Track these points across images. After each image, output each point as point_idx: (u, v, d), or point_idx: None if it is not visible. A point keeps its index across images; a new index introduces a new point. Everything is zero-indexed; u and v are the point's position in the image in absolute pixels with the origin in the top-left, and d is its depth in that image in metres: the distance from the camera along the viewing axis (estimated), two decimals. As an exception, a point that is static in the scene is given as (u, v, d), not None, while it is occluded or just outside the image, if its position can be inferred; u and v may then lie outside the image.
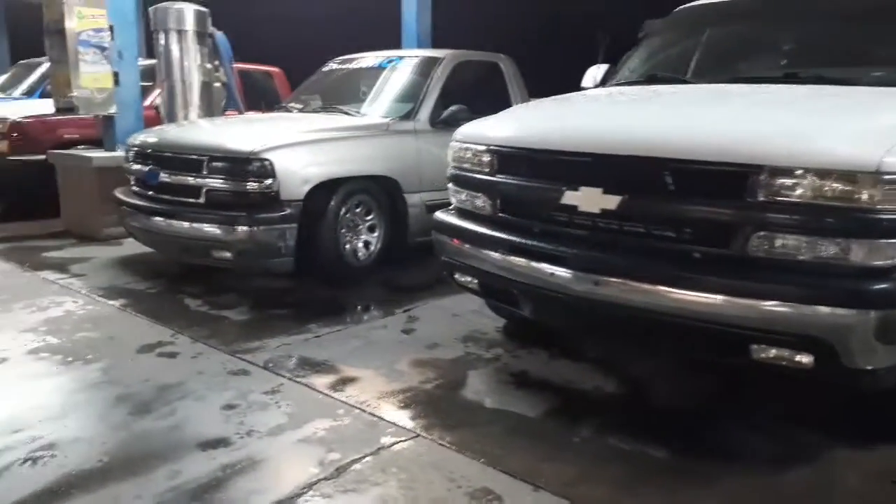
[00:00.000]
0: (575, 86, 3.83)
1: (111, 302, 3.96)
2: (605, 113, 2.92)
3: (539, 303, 2.74)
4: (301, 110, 5.41)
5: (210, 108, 6.28)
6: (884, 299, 2.04)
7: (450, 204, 3.30)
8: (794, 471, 2.30)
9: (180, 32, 6.03)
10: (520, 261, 2.66)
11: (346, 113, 5.05)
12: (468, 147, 3.01)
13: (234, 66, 6.75)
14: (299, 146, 4.29)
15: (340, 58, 5.94)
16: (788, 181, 2.09)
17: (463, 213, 3.09)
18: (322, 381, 2.91)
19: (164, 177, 4.37)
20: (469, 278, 3.03)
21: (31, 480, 2.14)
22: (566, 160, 2.54)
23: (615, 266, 2.39)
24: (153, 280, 4.49)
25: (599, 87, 3.80)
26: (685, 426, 2.62)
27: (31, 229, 6.06)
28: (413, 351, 3.30)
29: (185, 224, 4.21)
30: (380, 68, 5.49)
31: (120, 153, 5.64)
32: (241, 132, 4.54)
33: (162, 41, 6.05)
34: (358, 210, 4.57)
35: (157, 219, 4.37)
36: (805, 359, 2.15)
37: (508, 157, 2.79)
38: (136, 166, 4.64)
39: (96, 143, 6.43)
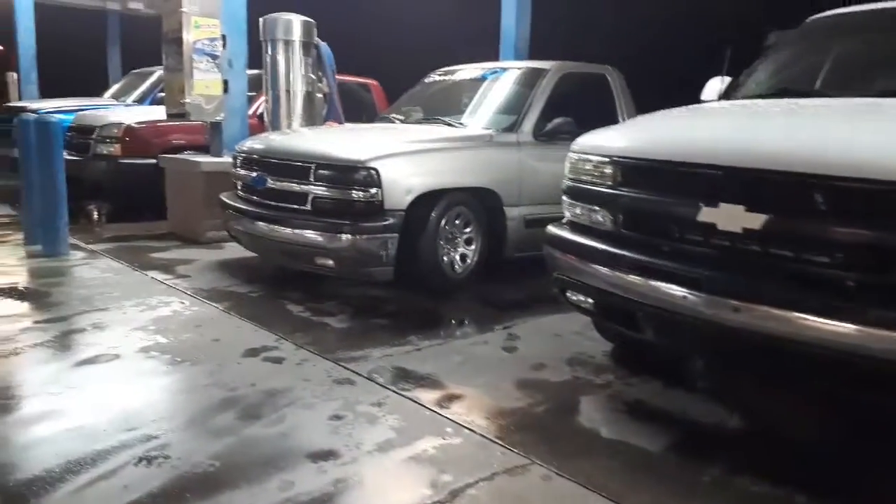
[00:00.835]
0: (680, 100, 3.62)
1: (215, 304, 4.02)
2: (750, 125, 2.70)
3: (665, 327, 2.55)
4: (403, 121, 5.41)
5: (312, 118, 6.38)
6: None
7: (553, 218, 3.19)
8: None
9: (287, 43, 6.17)
10: (645, 281, 2.49)
11: (449, 124, 5.00)
12: (588, 158, 2.86)
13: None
14: (404, 156, 4.26)
15: (442, 69, 5.92)
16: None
17: (578, 227, 2.94)
18: (427, 396, 2.82)
19: (270, 183, 4.43)
20: (583, 297, 2.88)
21: (145, 481, 2.13)
22: (704, 174, 2.35)
23: (758, 291, 2.19)
24: (255, 284, 4.54)
25: (723, 100, 3.59)
26: (825, 466, 2.37)
27: (137, 230, 6.31)
28: (517, 371, 3.16)
29: (290, 230, 4.24)
30: (482, 80, 5.43)
31: (226, 159, 5.80)
32: (347, 141, 4.56)
33: (269, 51, 6.20)
34: (457, 222, 4.49)
35: (262, 224, 4.43)
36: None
37: (635, 170, 2.63)
38: (244, 172, 4.73)
39: (201, 149, 6.66)
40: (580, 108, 4.94)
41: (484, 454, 2.35)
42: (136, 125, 6.99)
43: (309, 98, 6.38)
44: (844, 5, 3.86)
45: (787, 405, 2.87)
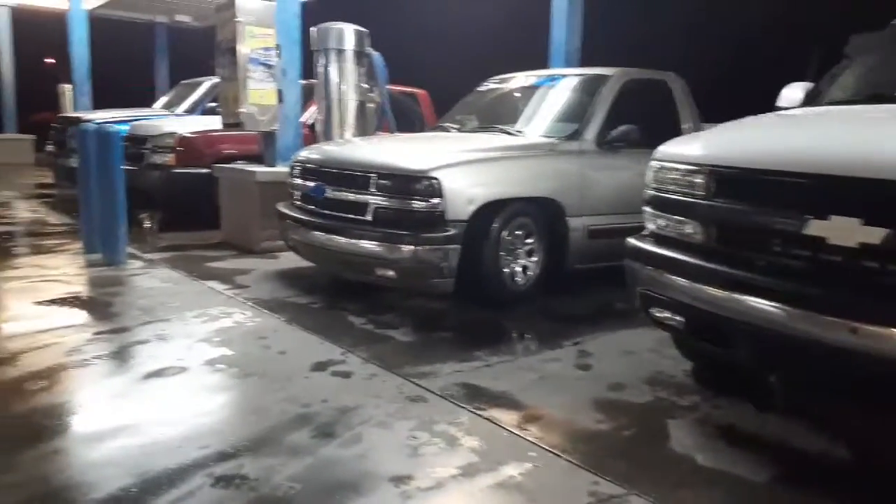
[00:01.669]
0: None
1: (277, 315, 3.96)
2: (867, 132, 2.50)
3: (766, 348, 2.39)
4: (459, 130, 5.31)
5: (364, 128, 6.33)
6: None
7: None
8: None
9: (340, 52, 6.13)
10: (744, 298, 2.33)
11: (507, 132, 4.88)
12: (674, 167, 2.72)
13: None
14: (466, 165, 4.16)
15: (497, 77, 5.82)
16: None
17: (663, 239, 2.79)
18: (505, 416, 2.69)
19: (329, 193, 4.37)
20: (670, 314, 2.72)
21: None
22: (812, 185, 2.20)
23: (878, 312, 2.02)
24: (314, 295, 4.48)
25: (804, 107, 3.41)
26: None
27: (192, 239, 6.32)
28: (595, 390, 3.02)
29: (350, 240, 4.17)
30: (539, 87, 5.32)
31: (281, 168, 5.78)
32: (408, 151, 4.47)
33: (322, 60, 6.17)
34: (518, 233, 4.36)
35: (321, 234, 4.37)
36: None
37: (732, 180, 2.48)
38: (302, 182, 4.68)
39: (253, 159, 6.65)
40: (642, 115, 4.78)
41: (575, 482, 2.22)
42: (189, 135, 7.04)
43: (361, 108, 6.33)
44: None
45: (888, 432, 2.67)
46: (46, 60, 29.11)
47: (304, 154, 4.84)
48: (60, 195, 9.75)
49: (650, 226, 2.90)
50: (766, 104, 3.67)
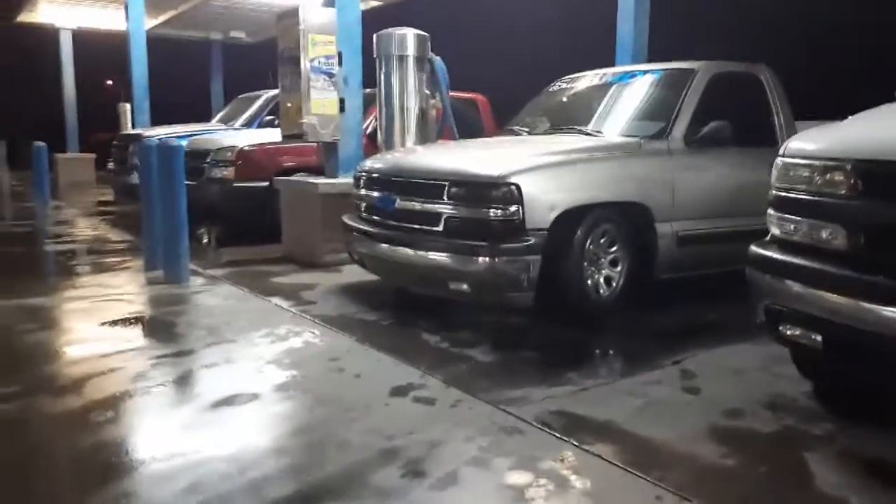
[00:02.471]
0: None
1: (347, 334, 3.71)
2: None
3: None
4: (530, 133, 5.01)
5: (426, 136, 6.09)
6: None
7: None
8: None
9: (401, 58, 5.90)
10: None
11: (586, 133, 4.56)
12: (808, 163, 2.37)
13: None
14: (545, 170, 3.87)
15: (567, 76, 5.51)
16: None
17: (793, 246, 2.44)
18: (615, 451, 2.36)
19: (399, 203, 4.12)
20: (802, 331, 2.37)
21: (313, 558, 1.78)
22: None
23: None
24: (382, 311, 4.23)
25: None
26: None
27: (253, 254, 6.17)
28: (710, 418, 2.66)
29: (422, 252, 3.91)
30: (615, 84, 4.98)
31: (344, 180, 5.59)
32: (481, 156, 4.20)
33: (383, 67, 5.95)
34: (601, 241, 4.03)
35: (390, 246, 4.12)
36: None
37: (884, 175, 2.12)
38: (368, 192, 4.45)
39: (312, 171, 6.48)
40: (731, 111, 4.40)
41: (716, 534, 1.88)
42: (248, 148, 6.94)
43: (423, 115, 6.09)
44: None
45: None
46: (107, 82, 30.10)
47: (370, 163, 4.61)
48: (120, 212, 9.85)
49: (775, 231, 2.54)
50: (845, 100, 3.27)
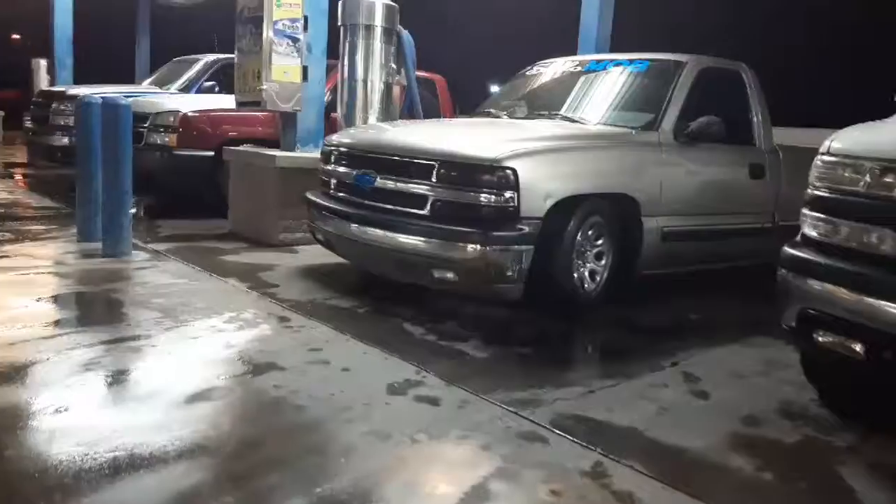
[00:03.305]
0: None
1: (322, 322, 3.39)
2: None
3: None
4: (509, 116, 4.78)
5: (389, 112, 5.76)
6: None
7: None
8: None
9: (368, 28, 5.55)
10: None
11: (572, 120, 4.38)
12: (856, 163, 2.25)
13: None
14: (543, 155, 3.66)
15: (545, 61, 5.31)
16: None
17: (832, 249, 2.32)
18: (647, 461, 2.18)
19: (379, 182, 3.81)
20: (842, 338, 2.26)
21: None
22: None
23: None
24: (356, 297, 3.92)
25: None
26: None
27: (197, 229, 5.71)
28: (728, 425, 2.54)
29: (403, 236, 3.63)
30: (600, 71, 4.80)
31: (304, 154, 5.22)
32: (474, 137, 3.93)
33: (348, 36, 5.58)
34: (590, 233, 3.87)
35: (366, 228, 3.82)
36: None
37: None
38: (341, 168, 4.12)
39: (261, 143, 6.04)
40: (715, 107, 4.32)
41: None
42: (191, 114, 6.40)
43: (388, 90, 5.77)
44: None
45: None
46: (13, 36, 27.83)
47: (345, 137, 4.28)
48: (38, 175, 9.01)
49: (811, 232, 2.42)
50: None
